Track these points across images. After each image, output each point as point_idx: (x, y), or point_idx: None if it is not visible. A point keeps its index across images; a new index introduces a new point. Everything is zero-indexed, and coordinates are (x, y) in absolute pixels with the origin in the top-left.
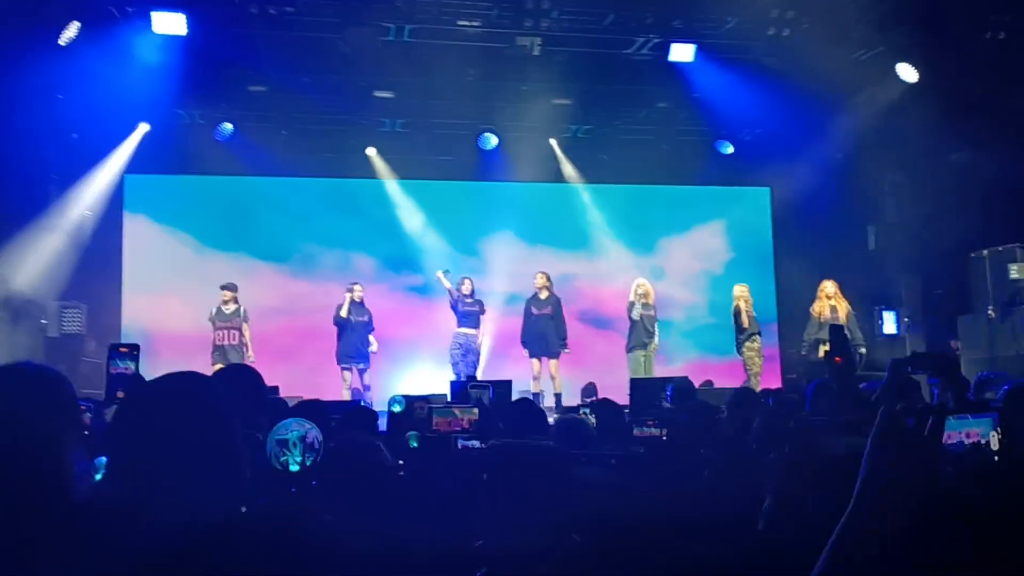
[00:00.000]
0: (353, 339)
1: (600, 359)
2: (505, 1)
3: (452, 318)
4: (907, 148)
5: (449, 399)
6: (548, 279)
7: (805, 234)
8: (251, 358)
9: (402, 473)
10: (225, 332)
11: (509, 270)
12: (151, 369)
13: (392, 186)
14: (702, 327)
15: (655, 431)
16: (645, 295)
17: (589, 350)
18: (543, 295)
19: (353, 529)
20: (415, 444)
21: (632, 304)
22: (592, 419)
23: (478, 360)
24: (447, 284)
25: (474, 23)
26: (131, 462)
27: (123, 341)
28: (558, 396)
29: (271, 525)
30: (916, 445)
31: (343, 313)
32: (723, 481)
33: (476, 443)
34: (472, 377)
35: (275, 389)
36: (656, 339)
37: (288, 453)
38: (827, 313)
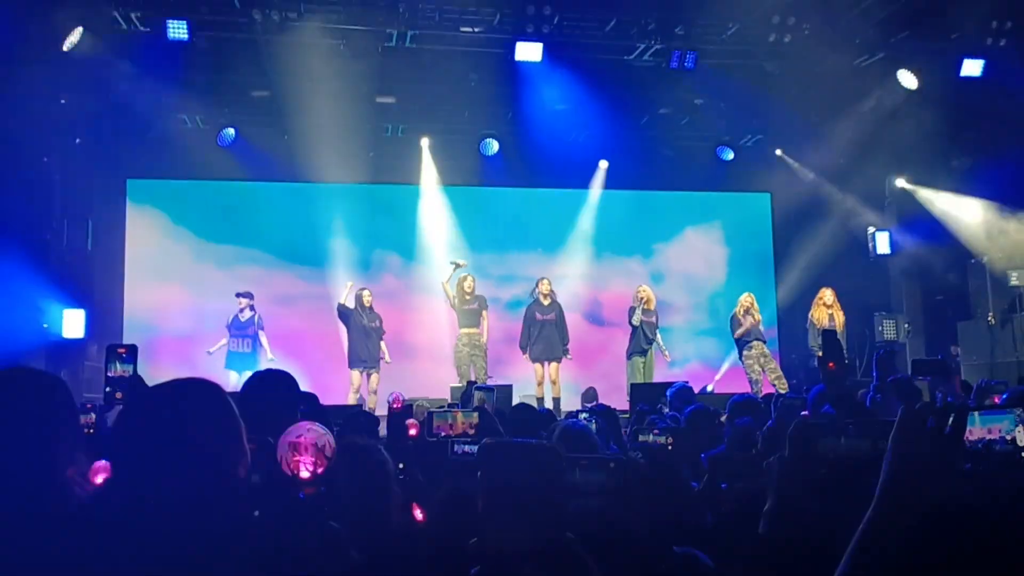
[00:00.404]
0: (367, 344)
1: (600, 364)
2: (507, 7)
3: (453, 318)
4: (908, 154)
5: (459, 403)
6: (551, 285)
7: (806, 240)
8: (271, 361)
9: (402, 477)
10: (240, 340)
11: (510, 275)
12: (152, 372)
13: (395, 190)
14: (702, 332)
15: (661, 439)
16: (646, 301)
17: (589, 355)
18: (547, 301)
19: (355, 532)
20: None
21: (633, 309)
22: (593, 424)
23: (486, 360)
24: (449, 293)
25: (476, 29)
26: (133, 467)
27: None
28: (556, 401)
29: (277, 530)
30: (938, 444)
31: (343, 300)
32: (723, 484)
33: (473, 448)
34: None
35: (314, 398)
36: (659, 344)
37: (299, 458)
38: (826, 322)
